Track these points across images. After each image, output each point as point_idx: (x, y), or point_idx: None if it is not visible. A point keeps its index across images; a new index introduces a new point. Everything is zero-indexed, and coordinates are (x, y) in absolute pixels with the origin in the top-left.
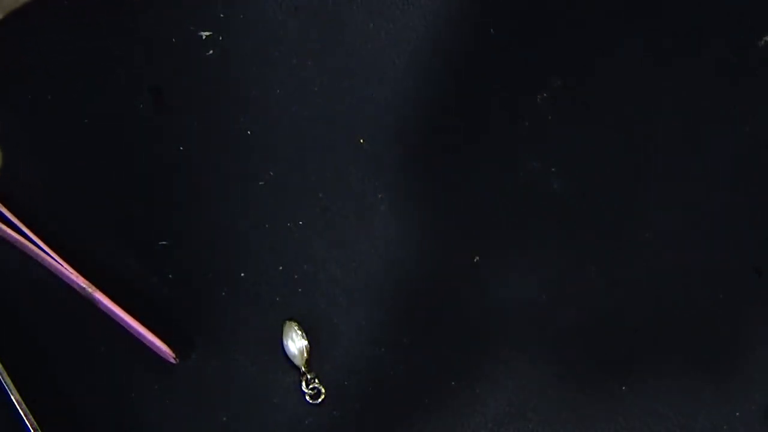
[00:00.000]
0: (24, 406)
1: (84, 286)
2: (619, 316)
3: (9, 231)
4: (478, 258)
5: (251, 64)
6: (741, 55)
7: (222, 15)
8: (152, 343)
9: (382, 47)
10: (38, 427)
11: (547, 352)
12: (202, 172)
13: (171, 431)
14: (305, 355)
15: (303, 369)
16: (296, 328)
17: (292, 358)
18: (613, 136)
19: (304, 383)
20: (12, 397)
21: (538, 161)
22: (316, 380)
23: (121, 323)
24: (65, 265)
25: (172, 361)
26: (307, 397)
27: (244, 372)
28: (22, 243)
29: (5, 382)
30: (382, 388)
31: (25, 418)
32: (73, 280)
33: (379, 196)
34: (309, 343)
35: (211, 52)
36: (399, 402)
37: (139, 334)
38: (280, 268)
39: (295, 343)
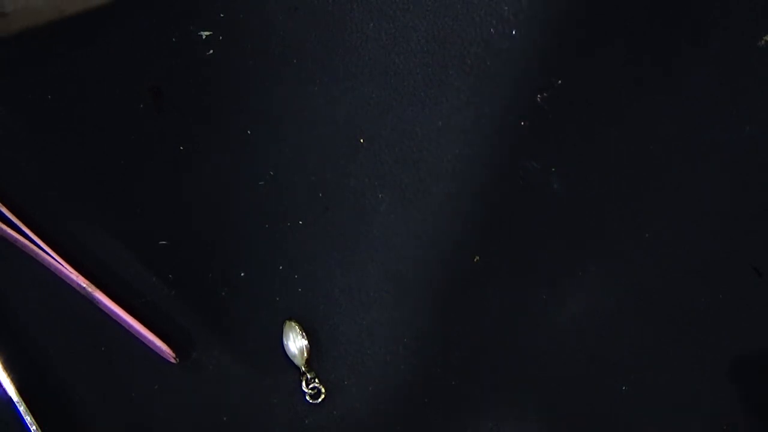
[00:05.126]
0: (24, 406)
1: (84, 286)
2: (620, 316)
3: (9, 231)
4: (478, 258)
5: (251, 65)
6: (741, 55)
7: (222, 15)
8: (152, 343)
9: (382, 47)
10: (38, 427)
11: (547, 352)
12: (202, 172)
13: (171, 431)
14: (305, 355)
15: (303, 369)
16: (296, 328)
17: (292, 358)
18: (613, 136)
19: (304, 383)
20: (12, 398)
21: (538, 161)
22: (316, 380)
23: (121, 323)
24: (65, 265)
25: (172, 361)
26: (307, 397)
27: (244, 372)
28: (22, 243)
29: (5, 382)
30: (382, 388)
31: (25, 418)
32: (73, 280)
33: (379, 196)
34: (309, 343)
35: (211, 52)
36: (399, 402)
37: (139, 334)
38: (280, 268)
39: (295, 343)
